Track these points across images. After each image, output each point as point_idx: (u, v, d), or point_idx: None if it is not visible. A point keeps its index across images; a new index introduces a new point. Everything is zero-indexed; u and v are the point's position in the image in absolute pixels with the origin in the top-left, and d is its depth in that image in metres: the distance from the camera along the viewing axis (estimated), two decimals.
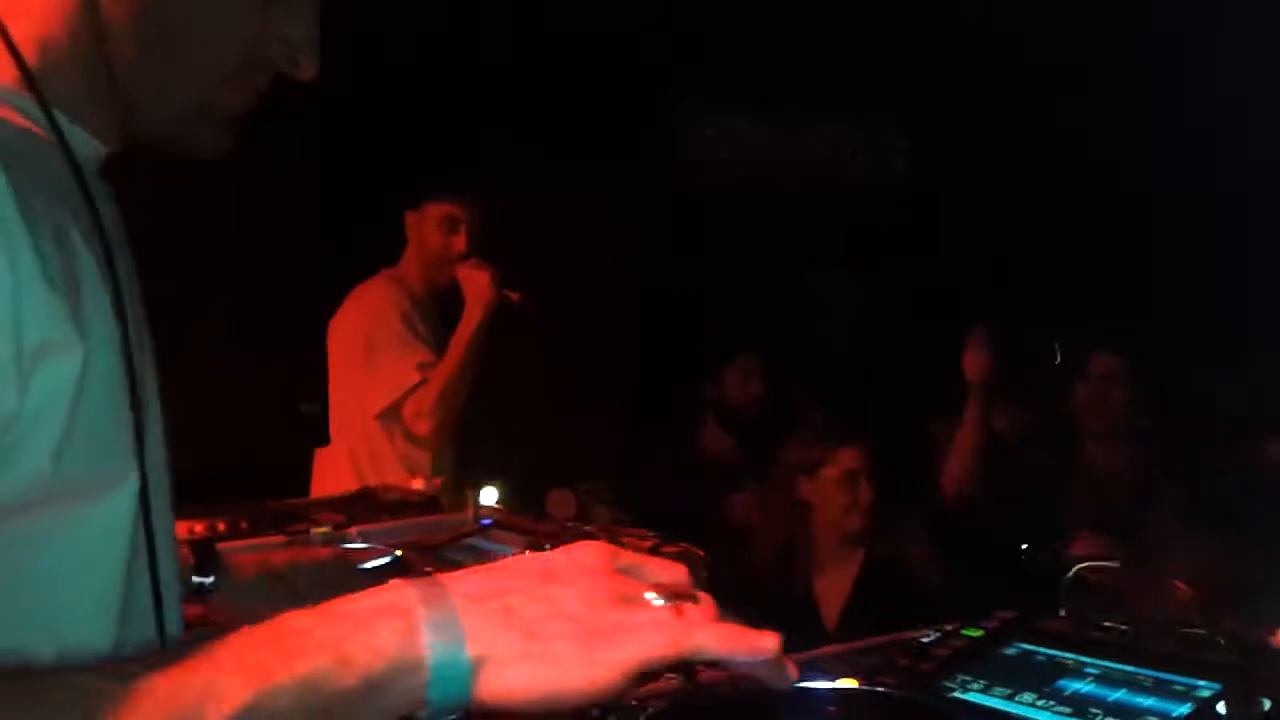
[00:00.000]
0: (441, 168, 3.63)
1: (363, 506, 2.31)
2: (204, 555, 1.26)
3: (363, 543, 1.95)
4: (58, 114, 0.76)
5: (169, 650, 0.61)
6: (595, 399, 4.86)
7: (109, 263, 0.73)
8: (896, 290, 5.59)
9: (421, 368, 3.04)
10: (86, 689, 0.57)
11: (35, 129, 0.76)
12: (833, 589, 2.91)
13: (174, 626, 0.80)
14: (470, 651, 0.67)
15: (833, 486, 2.96)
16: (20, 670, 0.57)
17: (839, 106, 5.84)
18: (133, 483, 0.75)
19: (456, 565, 1.84)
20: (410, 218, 3.25)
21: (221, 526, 1.90)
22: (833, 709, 0.93)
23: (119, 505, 0.75)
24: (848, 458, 2.98)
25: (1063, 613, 1.20)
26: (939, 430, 4.05)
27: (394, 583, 0.70)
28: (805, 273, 5.75)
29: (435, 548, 1.93)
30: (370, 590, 0.68)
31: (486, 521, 2.08)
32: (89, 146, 0.83)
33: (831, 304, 5.94)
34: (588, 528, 2.13)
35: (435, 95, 4.29)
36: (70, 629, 0.68)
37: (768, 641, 0.72)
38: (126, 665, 0.59)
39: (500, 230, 3.46)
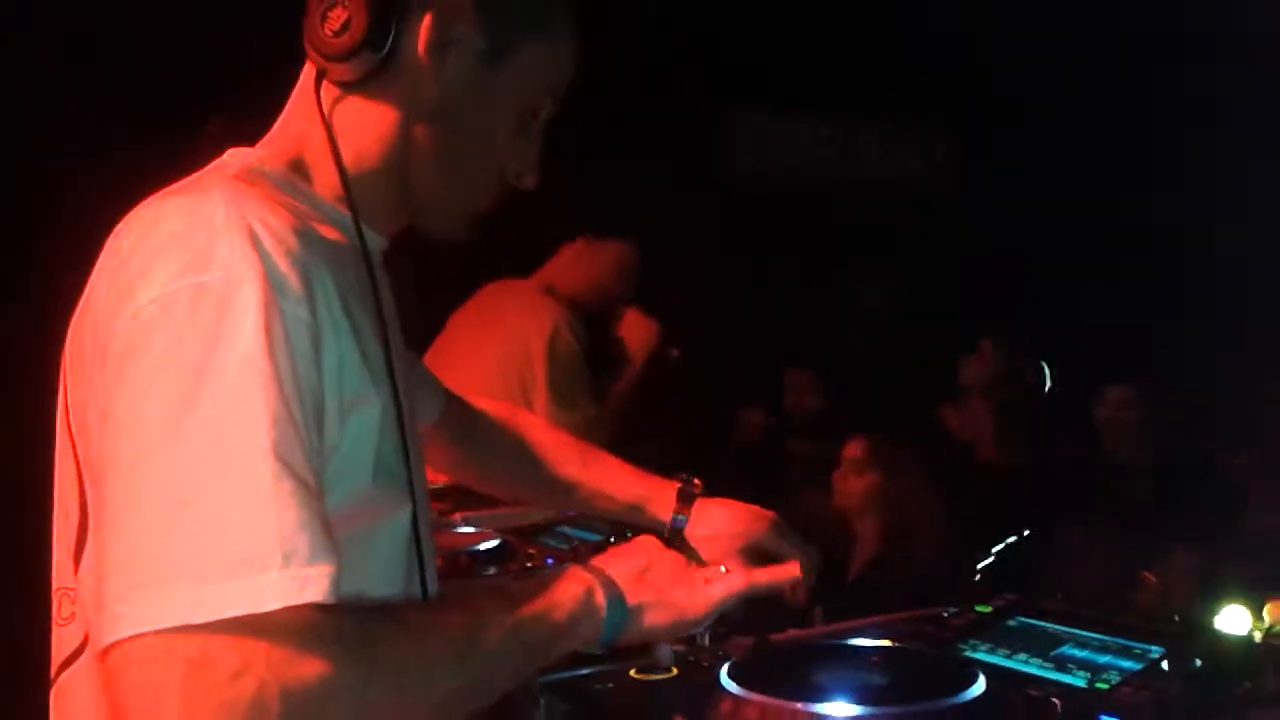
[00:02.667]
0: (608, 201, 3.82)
1: (461, 496, 2.64)
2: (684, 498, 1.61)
3: (469, 528, 2.28)
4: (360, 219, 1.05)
5: (454, 596, 0.99)
6: (648, 399, 5.15)
7: (385, 339, 1.04)
8: (933, 291, 5.82)
9: (581, 423, 3.10)
10: (408, 619, 0.91)
11: (342, 237, 1.04)
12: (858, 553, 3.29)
13: (432, 586, 1.12)
14: (629, 602, 1.05)
15: (840, 476, 3.34)
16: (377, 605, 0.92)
17: (884, 114, 6.05)
18: (409, 504, 1.04)
19: (550, 548, 2.16)
20: (583, 244, 3.41)
21: None
22: (876, 660, 1.24)
23: (403, 517, 1.04)
24: (853, 449, 3.34)
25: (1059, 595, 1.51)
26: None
27: (571, 567, 1.07)
28: (846, 275, 6.00)
29: (532, 533, 2.25)
30: (557, 570, 1.06)
31: (571, 512, 2.40)
32: (376, 242, 1.11)
33: (873, 304, 6.19)
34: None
35: None
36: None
37: (793, 568, 1.21)
38: (432, 604, 0.95)
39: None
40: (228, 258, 0.88)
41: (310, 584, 0.81)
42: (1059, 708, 1.13)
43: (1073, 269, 5.50)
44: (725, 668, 1.20)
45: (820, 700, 1.09)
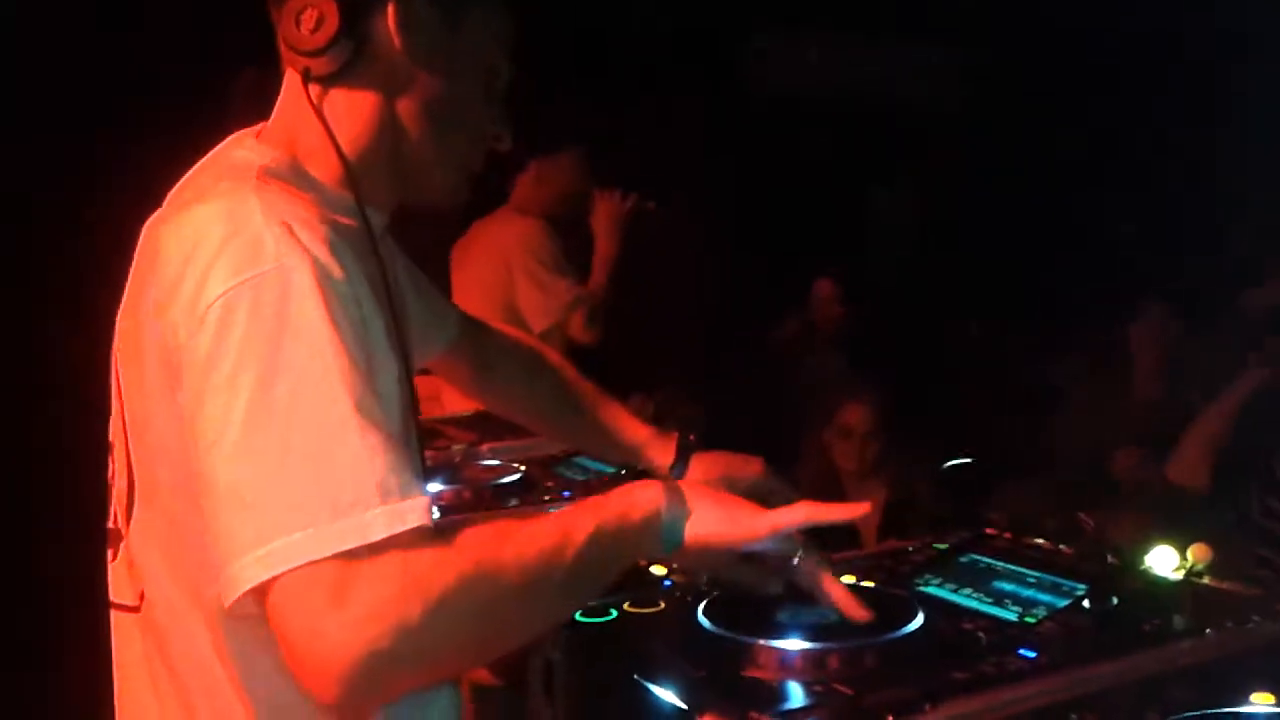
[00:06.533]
0: (560, 113, 4.03)
1: (490, 424, 2.83)
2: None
3: (493, 458, 2.49)
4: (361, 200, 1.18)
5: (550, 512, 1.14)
6: (669, 311, 5.30)
7: (393, 310, 1.15)
8: (957, 206, 5.89)
9: (575, 286, 3.60)
10: (508, 531, 1.06)
11: (349, 220, 1.16)
12: (867, 519, 3.43)
13: None
14: (689, 506, 1.20)
15: (841, 440, 3.48)
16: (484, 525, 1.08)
17: (903, 30, 6.06)
18: (417, 455, 1.16)
19: (569, 480, 2.36)
20: (539, 163, 3.74)
21: None
22: None
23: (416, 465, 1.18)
24: (853, 416, 3.48)
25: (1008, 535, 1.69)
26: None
27: (645, 480, 1.23)
28: (867, 193, 6.08)
29: (551, 464, 2.45)
30: (637, 482, 1.22)
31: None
32: (377, 217, 1.22)
33: (897, 219, 6.27)
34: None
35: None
36: None
37: (861, 508, 1.32)
38: (523, 520, 1.10)
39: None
40: (276, 250, 1.03)
41: (409, 514, 0.99)
42: (984, 641, 1.31)
43: (1100, 188, 5.53)
44: (702, 604, 1.40)
45: (775, 636, 1.28)
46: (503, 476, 2.29)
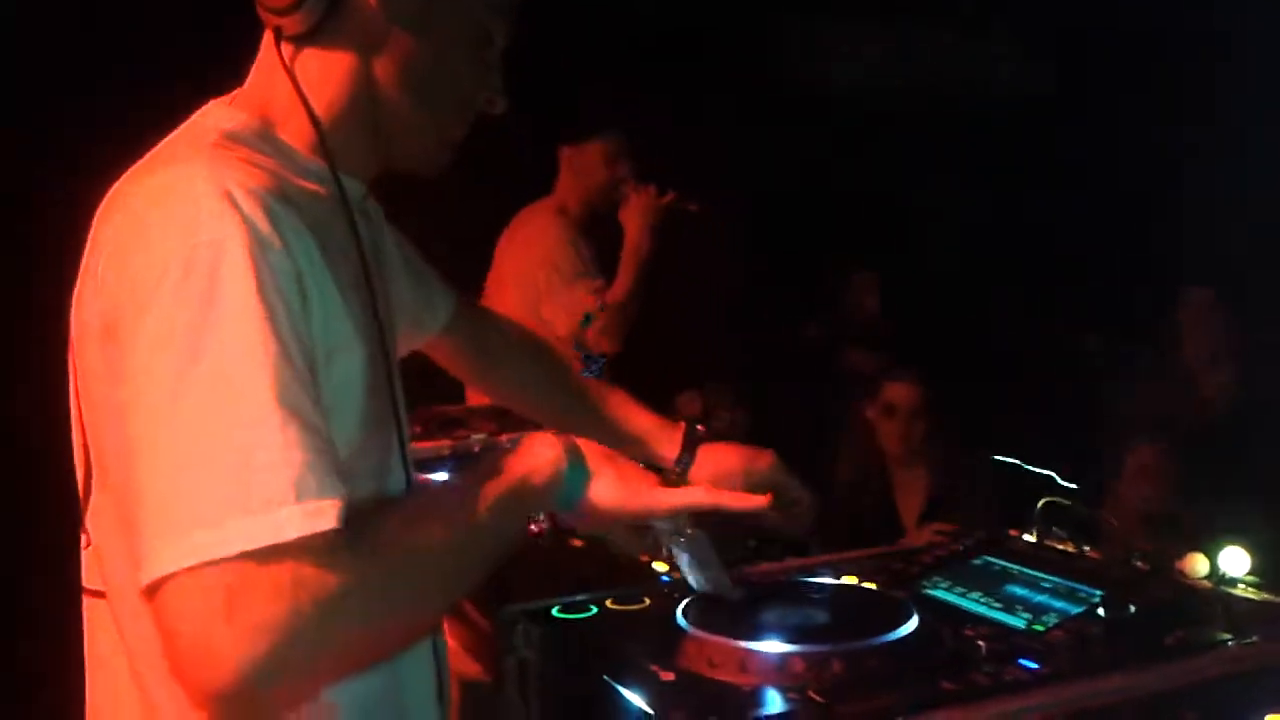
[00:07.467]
0: (594, 101, 3.89)
1: (511, 415, 2.77)
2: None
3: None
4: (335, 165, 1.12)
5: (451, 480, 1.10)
6: (719, 305, 5.20)
7: (369, 284, 1.11)
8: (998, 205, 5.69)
9: (598, 292, 3.38)
10: (410, 515, 1.02)
11: (321, 188, 1.12)
12: (909, 505, 3.29)
13: None
14: (588, 467, 1.18)
15: (886, 419, 3.35)
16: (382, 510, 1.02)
17: (957, 19, 5.88)
18: (395, 438, 1.15)
19: None
20: (568, 151, 3.57)
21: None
22: (822, 599, 1.33)
23: (392, 451, 1.15)
24: (898, 394, 3.34)
25: (1026, 535, 1.57)
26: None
27: (545, 434, 1.18)
28: (920, 185, 5.89)
29: None
30: (535, 436, 1.18)
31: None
32: (355, 187, 1.17)
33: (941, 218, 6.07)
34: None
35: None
36: None
37: (760, 499, 1.26)
38: (428, 494, 1.09)
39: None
40: (211, 221, 0.97)
41: (323, 515, 0.92)
42: (983, 650, 1.20)
43: (1149, 185, 5.32)
44: (683, 603, 1.31)
45: (757, 638, 1.19)
46: None
